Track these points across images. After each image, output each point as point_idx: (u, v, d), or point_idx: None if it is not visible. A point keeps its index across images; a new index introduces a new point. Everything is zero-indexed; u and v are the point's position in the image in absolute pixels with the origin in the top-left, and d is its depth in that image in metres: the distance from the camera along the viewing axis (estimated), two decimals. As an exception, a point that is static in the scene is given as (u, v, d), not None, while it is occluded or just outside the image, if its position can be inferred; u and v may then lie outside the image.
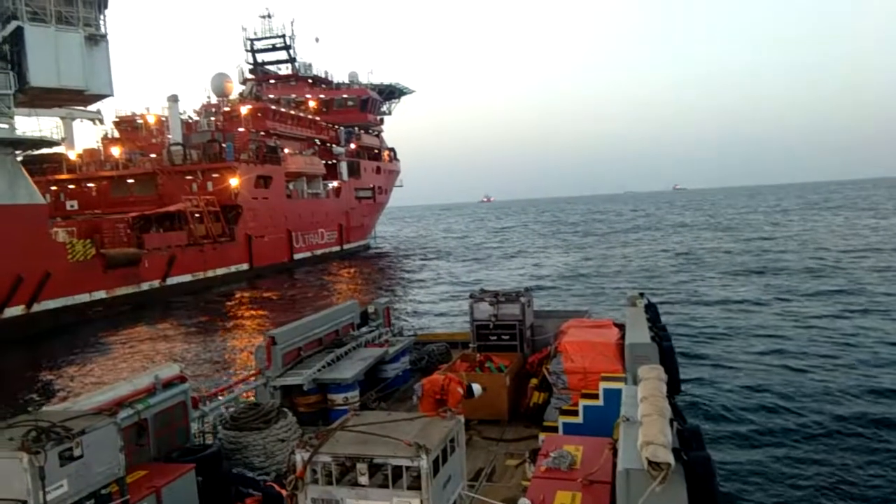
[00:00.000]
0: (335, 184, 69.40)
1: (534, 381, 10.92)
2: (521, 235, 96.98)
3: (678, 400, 8.43)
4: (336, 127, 72.56)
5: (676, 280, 39.94)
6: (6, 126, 35.00)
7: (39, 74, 34.97)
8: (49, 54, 34.97)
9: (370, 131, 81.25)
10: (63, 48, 35.63)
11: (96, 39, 37.16)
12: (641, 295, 11.28)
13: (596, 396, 8.50)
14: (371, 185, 76.53)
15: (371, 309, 14.18)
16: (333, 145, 71.03)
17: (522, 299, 12.68)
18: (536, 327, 13.12)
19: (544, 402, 10.36)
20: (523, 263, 55.86)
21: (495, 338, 12.58)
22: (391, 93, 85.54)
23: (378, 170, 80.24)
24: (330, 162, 69.38)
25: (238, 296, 43.61)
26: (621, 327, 10.51)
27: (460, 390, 8.19)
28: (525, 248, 72.92)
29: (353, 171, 72.86)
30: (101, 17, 37.65)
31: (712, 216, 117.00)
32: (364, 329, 13.54)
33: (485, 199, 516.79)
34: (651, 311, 10.51)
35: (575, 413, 8.57)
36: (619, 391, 7.35)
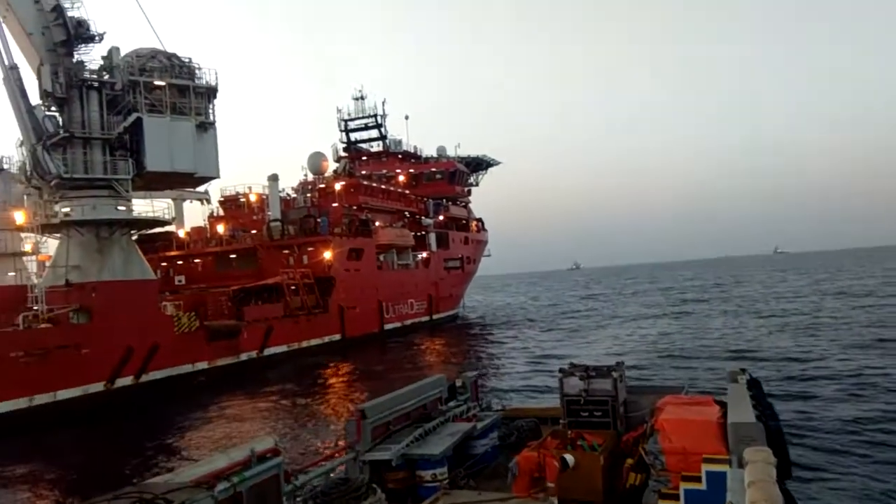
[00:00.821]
0: (424, 255, 70.61)
1: (629, 461, 10.41)
2: (612, 304, 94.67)
3: (789, 486, 7.83)
4: (425, 199, 74.47)
5: (783, 353, 37.57)
6: (124, 208, 38.06)
7: (155, 160, 38.09)
8: (164, 142, 38.11)
9: (458, 202, 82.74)
10: (176, 136, 38.78)
11: (206, 127, 40.23)
12: (743, 370, 10.69)
13: (698, 479, 8.01)
14: (459, 256, 77.34)
15: (459, 383, 14.06)
16: (422, 217, 72.72)
17: (615, 374, 12.25)
18: (630, 403, 12.60)
19: (641, 484, 9.84)
20: (614, 333, 54.30)
21: (587, 414, 12.14)
22: (478, 165, 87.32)
23: (466, 240, 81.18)
24: (419, 233, 70.89)
25: (330, 367, 44.43)
26: (722, 405, 9.95)
27: (556, 464, 8.01)
28: (616, 316, 71.03)
29: (442, 242, 74.06)
30: (211, 106, 40.84)
31: (822, 280, 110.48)
32: (452, 403, 13.41)
33: (574, 267, 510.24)
34: (755, 387, 9.92)
35: (676, 497, 8.09)
36: (723, 475, 6.91)
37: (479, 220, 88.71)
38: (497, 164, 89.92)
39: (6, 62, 34.10)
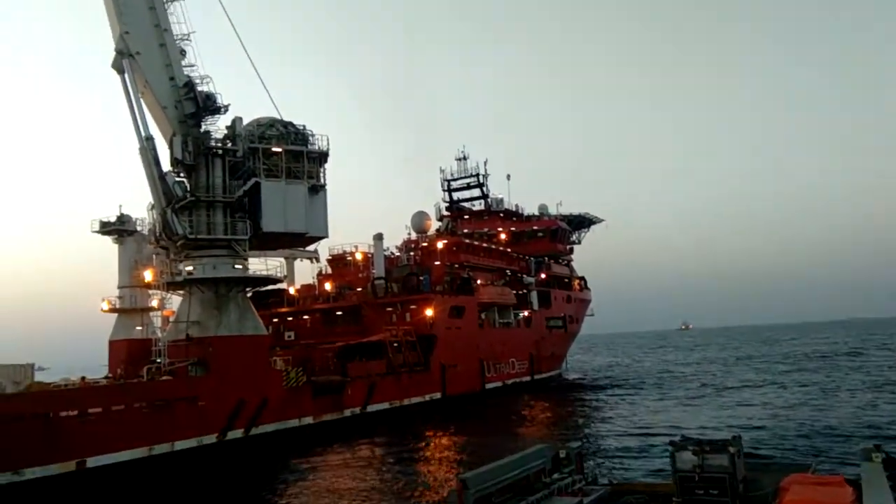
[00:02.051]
0: (526, 313, 69.88)
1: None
2: (725, 367, 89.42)
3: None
4: (526, 258, 74.18)
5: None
6: (241, 267, 40.23)
7: (271, 222, 40.25)
8: (279, 204, 40.31)
9: (560, 261, 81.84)
10: (290, 198, 40.94)
11: (317, 189, 42.27)
12: (878, 448, 9.71)
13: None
14: (562, 314, 75.98)
15: (563, 454, 13.58)
16: (524, 275, 72.30)
17: (732, 448, 11.45)
18: (750, 482, 11.69)
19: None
20: (729, 401, 51.07)
21: (702, 492, 11.36)
22: (580, 223, 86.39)
23: (569, 299, 79.79)
24: (521, 292, 70.40)
25: (432, 427, 44.11)
26: (855, 486, 9.04)
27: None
28: (730, 382, 66.88)
29: (544, 300, 73.15)
30: (322, 170, 42.97)
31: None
32: (556, 476, 12.94)
33: (683, 327, 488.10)
34: (891, 467, 8.97)
35: None
36: None
37: (582, 278, 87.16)
38: (600, 221, 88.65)
39: (143, 133, 37.44)
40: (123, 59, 37.36)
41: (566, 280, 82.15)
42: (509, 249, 72.80)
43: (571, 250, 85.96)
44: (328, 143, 43.22)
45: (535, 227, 78.11)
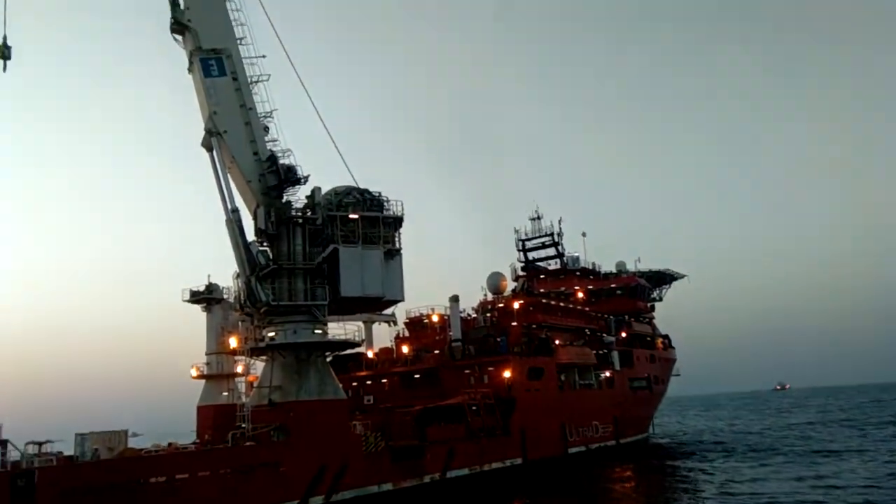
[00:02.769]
0: (607, 374, 67.76)
1: None
2: (828, 431, 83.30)
3: None
4: (606, 316, 72.45)
5: None
6: (320, 332, 41.01)
7: (349, 287, 41.08)
8: (356, 269, 41.19)
9: (641, 319, 79.50)
10: (367, 263, 41.79)
11: (392, 253, 43.02)
12: None
13: None
14: (646, 375, 73.28)
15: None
16: (604, 335, 70.48)
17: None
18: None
19: None
20: (836, 469, 47.36)
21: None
22: (661, 279, 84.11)
23: (652, 358, 77.01)
24: (601, 352, 68.51)
25: (515, 498, 42.62)
26: None
27: None
28: (835, 448, 62.13)
29: (626, 360, 70.85)
30: (397, 234, 43.82)
31: None
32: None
33: (779, 387, 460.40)
34: None
35: None
36: None
37: (666, 336, 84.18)
38: (681, 277, 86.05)
39: (229, 206, 39.40)
40: (212, 138, 39.80)
41: (648, 339, 79.53)
42: (587, 308, 71.37)
43: (652, 308, 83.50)
44: (402, 209, 44.22)
45: (613, 285, 76.56)
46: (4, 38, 37.57)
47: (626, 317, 75.41)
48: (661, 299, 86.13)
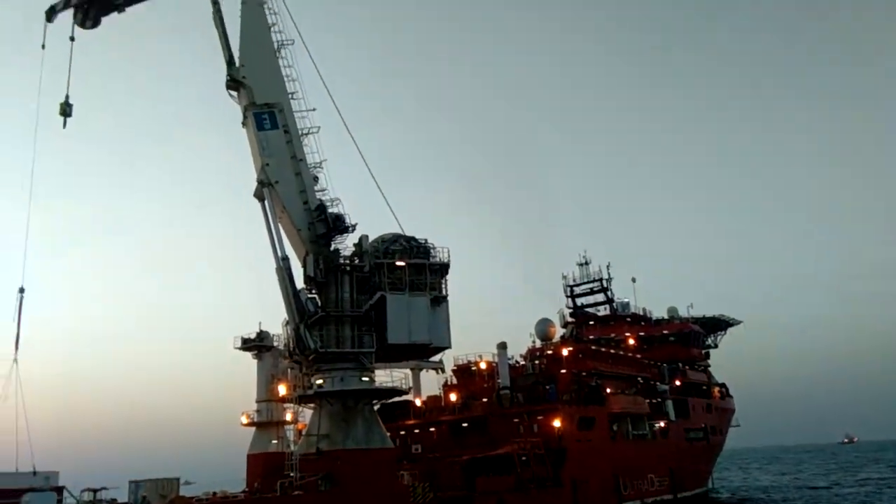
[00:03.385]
0: (662, 424, 65.55)
1: None
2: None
3: None
4: (658, 364, 70.56)
5: None
6: (367, 379, 41.04)
7: (395, 334, 41.18)
8: (403, 316, 41.33)
9: (696, 366, 77.13)
10: (414, 310, 41.92)
11: (439, 300, 43.07)
12: None
13: None
14: (702, 425, 70.69)
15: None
16: (657, 383, 68.50)
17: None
18: None
19: None
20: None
21: None
22: (715, 325, 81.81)
23: (708, 407, 74.34)
24: (654, 401, 66.48)
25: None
26: None
27: None
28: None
29: (681, 410, 68.52)
30: (444, 281, 43.93)
31: None
32: None
33: (846, 440, 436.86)
34: None
35: None
36: None
37: (722, 385, 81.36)
38: (737, 323, 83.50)
39: (279, 254, 40.26)
40: (264, 189, 41.01)
41: (704, 387, 76.96)
42: (639, 356, 69.67)
43: (707, 355, 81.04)
44: (449, 255, 44.41)
45: (665, 332, 74.75)
46: (67, 97, 39.91)
47: (680, 364, 73.27)
48: (716, 346, 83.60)
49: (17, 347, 32.37)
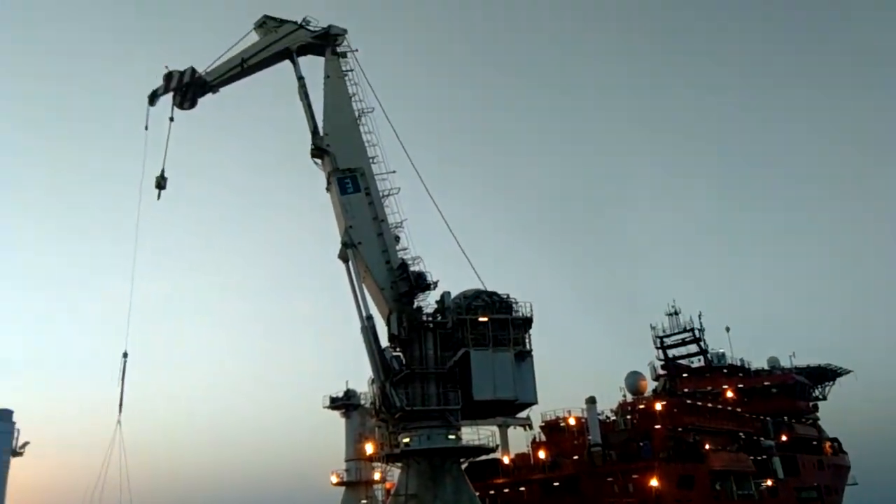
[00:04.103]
0: (769, 483, 61.22)
1: None
2: None
3: None
4: (761, 417, 66.47)
5: None
6: (454, 437, 40.66)
7: (481, 390, 40.84)
8: (487, 372, 41.01)
9: (804, 420, 72.10)
10: (498, 366, 41.55)
11: (524, 355, 42.57)
12: None
13: None
14: (815, 484, 65.47)
15: None
16: (761, 438, 64.39)
17: None
18: None
19: None
20: None
21: None
22: (822, 375, 76.65)
23: (820, 464, 68.95)
24: (759, 457, 62.37)
25: None
26: None
27: None
28: None
29: (790, 467, 63.83)
30: (527, 336, 43.46)
31: None
32: None
33: None
34: None
35: None
36: None
37: (835, 440, 75.44)
38: (846, 372, 77.92)
39: (364, 313, 41.09)
40: (348, 250, 42.29)
41: (814, 442, 71.59)
42: (739, 409, 65.88)
43: (815, 407, 75.68)
44: (532, 310, 44.06)
45: (766, 383, 70.52)
46: (163, 171, 42.89)
47: (785, 418, 68.73)
48: (824, 398, 78.09)
49: (120, 410, 34.12)
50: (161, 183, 42.73)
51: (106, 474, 30.85)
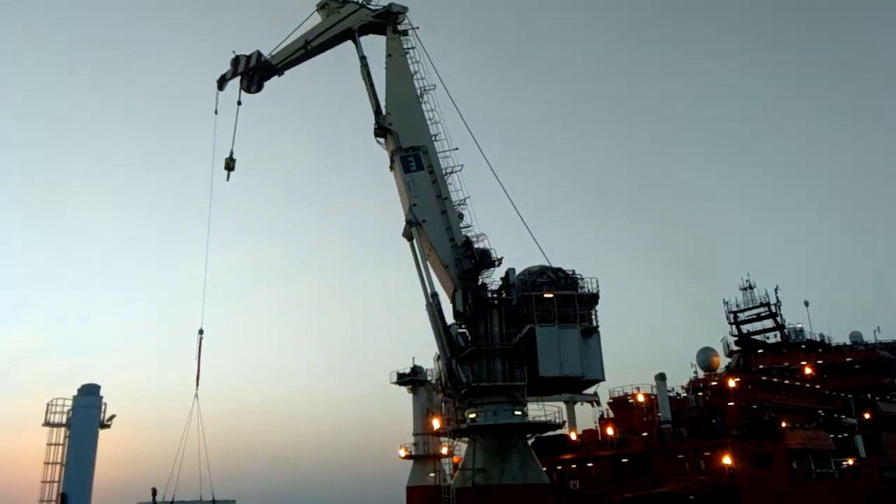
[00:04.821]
0: (850, 462, 58.96)
1: None
2: None
3: None
4: (842, 395, 63.86)
5: None
6: (520, 413, 40.74)
7: (547, 367, 40.66)
8: (553, 349, 40.77)
9: (889, 397, 68.85)
10: (564, 342, 41.23)
11: (590, 332, 42.08)
12: None
13: None
14: (902, 464, 62.59)
15: None
16: (842, 416, 61.94)
17: None
18: None
19: None
20: None
21: None
22: (909, 350, 72.77)
23: (910, 445, 65.83)
24: (840, 436, 60.07)
25: None
26: None
27: None
28: None
29: (873, 446, 61.27)
30: (594, 312, 42.90)
31: None
32: None
33: None
34: None
35: None
36: None
37: (922, 418, 71.79)
38: (936, 347, 73.72)
39: (429, 291, 41.39)
40: (412, 228, 42.55)
41: (901, 421, 68.35)
42: (818, 386, 63.45)
43: (903, 384, 72.05)
44: (598, 285, 43.43)
45: (848, 359, 67.59)
46: (231, 153, 44.02)
47: (868, 395, 65.80)
48: (911, 374, 74.16)
49: (197, 384, 35.55)
50: (230, 164, 43.90)
51: (185, 446, 32.32)
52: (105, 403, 31.15)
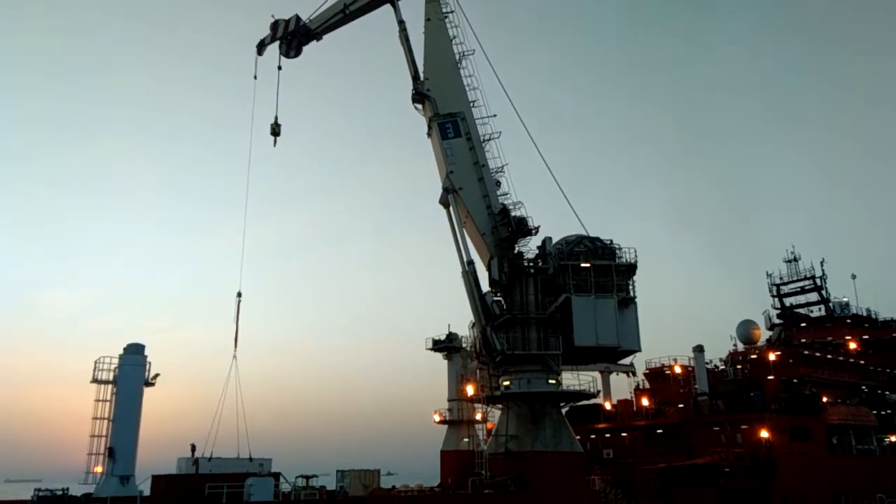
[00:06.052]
0: (893, 439, 57.77)
1: None
2: None
3: None
4: (888, 371, 62.32)
5: None
6: (554, 381, 40.75)
7: (582, 336, 40.47)
8: (589, 319, 40.51)
9: (937, 374, 66.92)
10: (600, 312, 40.92)
11: (627, 302, 41.64)
12: None
13: None
14: (946, 442, 61.05)
15: None
16: (887, 392, 60.56)
17: None
18: None
19: None
20: None
21: None
22: (962, 326, 70.39)
23: (954, 422, 64.09)
24: (883, 412, 58.81)
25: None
26: None
27: None
28: None
29: (918, 423, 59.84)
30: (631, 282, 42.37)
31: None
32: None
33: None
34: None
35: None
36: None
37: (973, 396, 69.68)
38: None
39: (465, 258, 41.34)
40: (449, 195, 42.37)
41: (947, 398, 66.49)
42: (862, 362, 62.00)
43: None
44: (636, 255, 42.79)
45: (894, 335, 65.76)
46: (276, 118, 44.18)
47: (919, 372, 64.10)
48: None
49: (236, 345, 36.30)
50: (276, 129, 44.11)
51: (223, 405, 33.13)
52: (150, 362, 32.11)
